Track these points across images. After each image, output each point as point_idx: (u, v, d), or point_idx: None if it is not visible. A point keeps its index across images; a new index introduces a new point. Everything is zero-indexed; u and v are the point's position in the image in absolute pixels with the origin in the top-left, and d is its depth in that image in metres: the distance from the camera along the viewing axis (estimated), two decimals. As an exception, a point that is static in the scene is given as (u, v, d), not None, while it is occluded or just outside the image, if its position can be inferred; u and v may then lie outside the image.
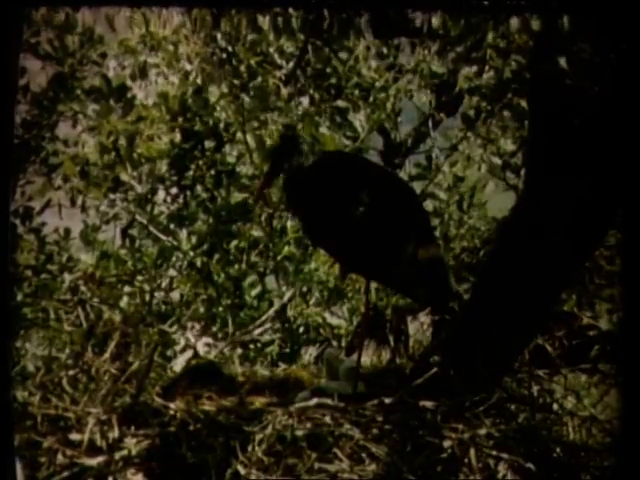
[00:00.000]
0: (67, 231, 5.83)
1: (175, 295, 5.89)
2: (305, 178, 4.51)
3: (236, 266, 5.97)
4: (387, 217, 4.43)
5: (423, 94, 6.33)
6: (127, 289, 5.74)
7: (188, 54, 6.26)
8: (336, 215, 4.40)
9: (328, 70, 6.20)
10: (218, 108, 6.08)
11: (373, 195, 4.44)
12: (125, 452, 4.19)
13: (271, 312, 5.89)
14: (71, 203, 5.90)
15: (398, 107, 6.33)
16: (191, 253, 5.91)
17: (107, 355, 4.59)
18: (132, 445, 4.21)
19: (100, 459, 4.17)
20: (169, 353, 5.55)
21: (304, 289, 6.00)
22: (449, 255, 5.63)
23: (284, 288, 5.97)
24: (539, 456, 4.29)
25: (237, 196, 5.97)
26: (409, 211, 4.50)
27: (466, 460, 4.21)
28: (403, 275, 4.35)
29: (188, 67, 6.25)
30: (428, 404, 4.34)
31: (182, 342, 5.60)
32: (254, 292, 5.96)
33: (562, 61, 4.56)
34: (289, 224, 5.93)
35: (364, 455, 4.21)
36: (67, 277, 5.63)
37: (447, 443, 4.23)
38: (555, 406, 4.71)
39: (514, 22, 4.79)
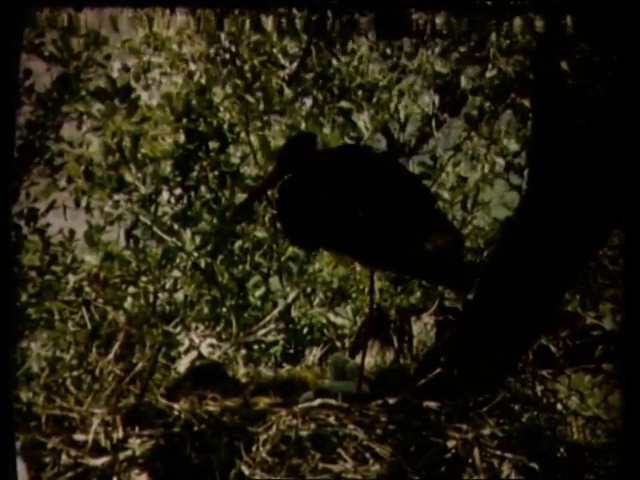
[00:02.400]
0: (72, 232, 5.83)
1: (179, 296, 5.89)
2: (302, 180, 4.50)
3: (240, 267, 5.97)
4: (391, 203, 4.39)
5: (427, 94, 6.33)
6: (131, 290, 5.74)
7: (192, 54, 6.26)
8: (340, 208, 4.37)
9: (331, 71, 6.20)
10: (222, 109, 6.08)
11: (374, 183, 4.42)
12: (129, 452, 4.20)
13: (275, 313, 5.89)
14: (75, 204, 5.90)
15: (401, 107, 6.33)
16: (195, 254, 5.92)
17: (111, 356, 4.60)
18: (136, 446, 4.22)
19: (104, 459, 4.18)
20: (173, 354, 5.56)
21: (308, 290, 6.00)
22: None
23: (288, 289, 5.97)
24: (543, 456, 4.29)
25: (241, 197, 5.96)
26: (413, 195, 4.46)
27: (470, 460, 4.21)
28: (417, 259, 4.32)
29: (192, 67, 6.25)
30: (432, 404, 4.34)
31: (186, 343, 5.61)
32: (258, 293, 5.96)
33: (565, 61, 4.56)
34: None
35: (368, 455, 4.21)
36: (71, 278, 5.63)
37: (451, 443, 4.23)
38: (559, 406, 4.72)
39: (517, 22, 4.79)
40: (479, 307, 4.69)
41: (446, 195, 6.06)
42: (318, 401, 4.37)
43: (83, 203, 5.91)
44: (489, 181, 6.14)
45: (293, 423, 4.25)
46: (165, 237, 5.93)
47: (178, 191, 6.07)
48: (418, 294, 5.79)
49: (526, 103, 5.58)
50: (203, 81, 6.16)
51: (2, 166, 4.00)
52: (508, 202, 5.96)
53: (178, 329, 5.68)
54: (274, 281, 6.03)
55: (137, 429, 4.27)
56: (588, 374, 5.06)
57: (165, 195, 6.06)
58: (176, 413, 4.32)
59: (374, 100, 6.24)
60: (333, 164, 4.52)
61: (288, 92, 6.12)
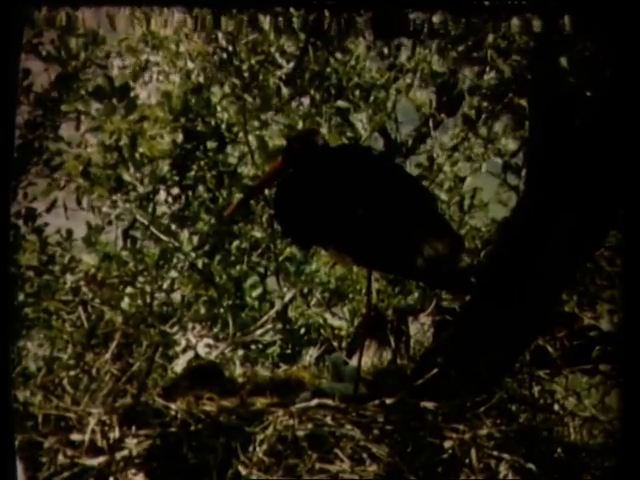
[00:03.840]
0: (69, 232, 5.83)
1: (176, 296, 5.89)
2: (303, 176, 4.49)
3: (237, 267, 5.97)
4: (391, 204, 4.38)
5: (424, 94, 6.33)
6: (129, 290, 5.74)
7: (189, 53, 6.25)
8: (340, 206, 4.36)
9: (329, 70, 6.20)
10: (220, 108, 6.08)
11: (375, 182, 4.41)
12: (126, 452, 4.19)
13: (272, 313, 5.89)
14: (77, 203, 5.90)
15: (398, 107, 6.33)
16: (192, 254, 5.91)
17: (108, 356, 4.60)
18: (133, 445, 4.21)
19: (101, 459, 4.17)
20: (170, 354, 5.56)
21: (305, 290, 6.00)
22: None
23: (285, 289, 5.97)
24: (540, 456, 4.29)
25: (239, 197, 5.96)
26: (413, 197, 4.45)
27: (467, 461, 4.21)
28: (415, 261, 4.31)
29: (190, 66, 6.24)
30: (429, 405, 4.34)
31: (183, 343, 5.61)
32: (255, 293, 5.96)
33: (563, 62, 4.55)
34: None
35: (365, 455, 4.21)
36: (69, 278, 5.63)
37: (448, 444, 4.23)
38: (556, 407, 4.71)
39: (515, 22, 4.78)
40: (476, 307, 4.69)
41: (443, 196, 6.07)
42: (315, 401, 4.37)
43: (84, 203, 5.91)
44: (484, 180, 6.15)
45: (290, 423, 4.25)
46: (163, 237, 5.93)
47: (175, 191, 6.07)
48: (415, 295, 5.79)
49: (523, 103, 5.57)
50: (201, 80, 6.16)
51: (2, 166, 4.00)
52: (503, 199, 5.97)
53: (175, 329, 5.68)
54: (271, 281, 6.04)
55: (134, 429, 4.26)
56: (585, 375, 5.05)
57: (162, 195, 6.06)
58: (173, 413, 4.31)
59: (371, 99, 6.24)
60: (334, 161, 4.51)
61: (286, 92, 6.11)
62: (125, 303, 5.66)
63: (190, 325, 5.72)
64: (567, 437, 4.55)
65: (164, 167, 6.07)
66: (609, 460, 4.33)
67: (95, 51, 5.99)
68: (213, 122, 6.07)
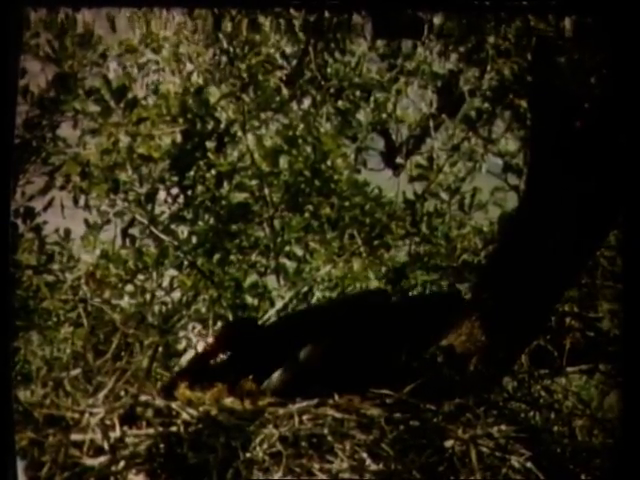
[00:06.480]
0: (67, 231, 5.82)
1: (176, 295, 5.88)
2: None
3: (237, 266, 5.96)
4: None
5: (424, 95, 6.33)
6: (128, 289, 5.73)
7: (189, 54, 6.25)
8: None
9: (329, 71, 6.20)
10: (219, 109, 6.08)
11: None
12: (126, 452, 4.19)
13: (272, 312, 5.89)
14: (74, 202, 5.89)
15: (399, 108, 6.33)
16: (192, 253, 5.91)
17: (109, 355, 4.59)
18: (133, 445, 4.20)
19: (102, 459, 4.17)
20: (170, 353, 5.56)
21: (305, 289, 6.00)
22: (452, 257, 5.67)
23: (285, 288, 5.96)
24: (540, 456, 4.30)
25: (238, 196, 5.97)
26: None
27: (467, 460, 4.21)
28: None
29: (189, 67, 6.24)
30: (430, 404, 4.34)
31: (183, 342, 5.60)
32: (255, 292, 5.96)
33: (563, 62, 4.57)
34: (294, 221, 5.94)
35: (365, 455, 4.21)
36: (68, 276, 5.62)
37: (448, 443, 4.23)
38: (556, 406, 4.72)
39: (516, 24, 4.80)
40: (477, 307, 4.70)
41: (444, 195, 6.07)
42: (315, 400, 4.37)
43: (81, 202, 5.90)
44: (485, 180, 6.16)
45: (290, 422, 4.25)
46: (162, 236, 5.93)
47: (175, 191, 6.07)
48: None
49: (524, 104, 5.59)
50: (200, 81, 6.16)
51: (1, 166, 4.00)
52: (498, 201, 5.98)
53: (175, 328, 5.68)
54: (271, 280, 6.03)
55: (134, 428, 4.26)
56: (585, 374, 5.07)
57: (162, 194, 6.05)
58: (173, 412, 4.31)
59: (372, 100, 6.24)
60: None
61: (286, 92, 6.12)
62: (125, 302, 5.65)
63: (190, 324, 5.71)
64: (567, 437, 4.56)
65: (163, 167, 6.06)
66: (609, 460, 4.34)
67: (91, 50, 5.99)
68: (212, 122, 6.07)
